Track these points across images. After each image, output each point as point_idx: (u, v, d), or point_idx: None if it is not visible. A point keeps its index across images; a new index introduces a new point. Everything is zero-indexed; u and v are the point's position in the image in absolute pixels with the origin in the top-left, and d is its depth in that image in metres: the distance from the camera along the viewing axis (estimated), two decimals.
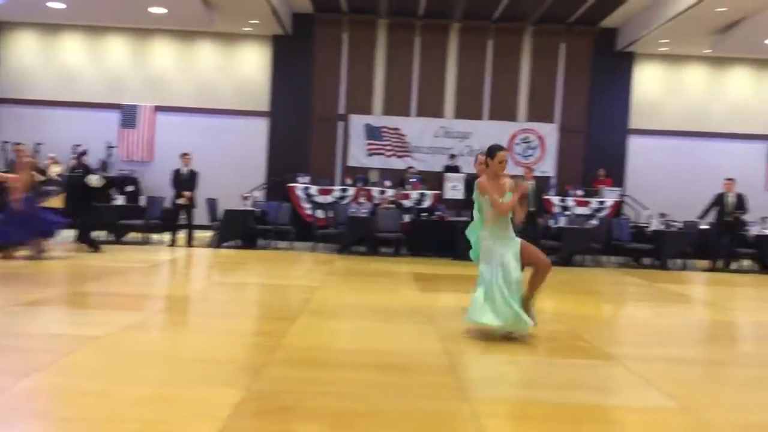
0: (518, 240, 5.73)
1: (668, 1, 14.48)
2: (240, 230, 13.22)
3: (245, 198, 13.90)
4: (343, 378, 4.28)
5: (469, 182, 7.83)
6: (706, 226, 13.64)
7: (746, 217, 13.32)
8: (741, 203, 12.97)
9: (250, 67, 17.73)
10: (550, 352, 5.63)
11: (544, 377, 4.54)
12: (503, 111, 17.73)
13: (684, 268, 13.11)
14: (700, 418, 3.72)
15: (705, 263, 13.16)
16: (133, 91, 17.49)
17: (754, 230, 13.46)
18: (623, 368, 4.79)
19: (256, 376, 4.14)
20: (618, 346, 5.70)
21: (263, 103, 17.62)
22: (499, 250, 5.63)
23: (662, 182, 17.53)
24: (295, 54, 17.45)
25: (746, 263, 13.62)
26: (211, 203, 13.81)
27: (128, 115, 17.33)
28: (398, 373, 4.42)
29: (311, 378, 4.24)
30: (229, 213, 13.24)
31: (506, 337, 5.59)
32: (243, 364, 4.58)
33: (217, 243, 13.05)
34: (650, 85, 18.05)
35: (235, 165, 17.10)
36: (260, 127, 17.60)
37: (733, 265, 13.23)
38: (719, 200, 13.07)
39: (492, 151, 5.66)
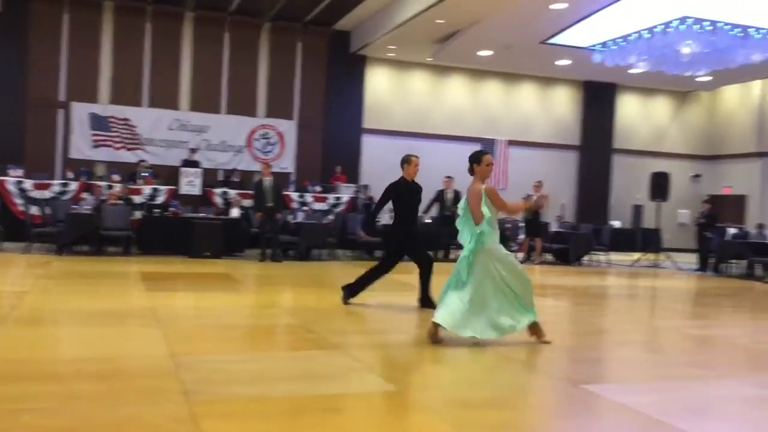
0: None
1: (395, 9, 15.45)
2: None
3: None
4: (49, 391, 3.83)
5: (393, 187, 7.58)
6: (429, 220, 14.83)
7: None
8: (457, 199, 14.28)
9: None
10: (281, 345, 5.65)
11: (271, 372, 4.51)
12: (242, 106, 17.53)
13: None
14: (413, 398, 3.96)
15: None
16: None
17: None
18: (348, 357, 4.95)
19: None
20: (344, 335, 5.90)
21: None
22: (502, 250, 5.54)
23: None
24: (5, 32, 15.48)
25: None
26: None
27: None
28: (116, 381, 4.09)
29: (6, 394, 3.72)
30: None
31: (241, 337, 5.47)
32: None
33: None
34: (381, 87, 19.14)
35: None
36: None
37: (452, 255, 14.55)
38: (440, 196, 14.27)
39: (478, 156, 5.72)
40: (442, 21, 14.96)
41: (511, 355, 5.32)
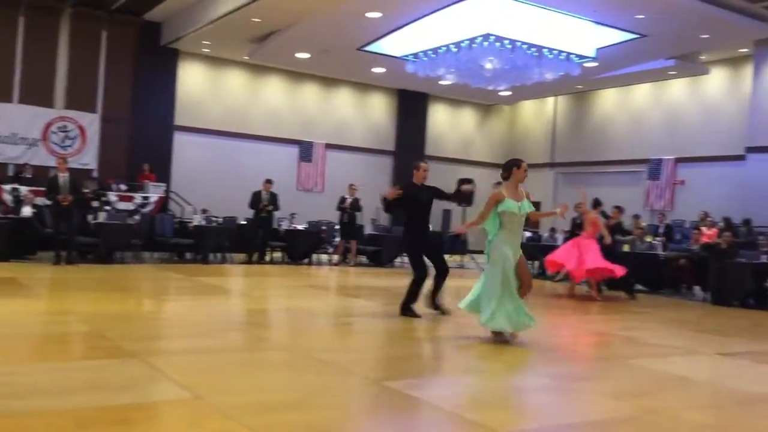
0: (520, 252, 6.15)
1: (209, 4, 14.97)
2: None
3: None
4: None
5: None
6: (244, 222, 14.52)
7: (278, 214, 14.57)
8: (274, 201, 14.08)
9: None
10: (72, 355, 5.19)
11: (59, 383, 4.10)
12: (37, 96, 16.06)
13: (224, 261, 13.73)
14: (208, 404, 3.79)
15: (242, 256, 13.99)
16: None
17: (284, 225, 14.84)
18: (144, 364, 4.65)
19: None
20: (142, 342, 5.54)
21: None
22: (510, 255, 5.99)
23: (205, 179, 18.09)
24: None
25: (277, 255, 14.92)
26: None
27: None
28: None
29: None
30: None
31: (26, 347, 4.93)
32: None
33: None
34: (195, 83, 18.47)
35: None
36: None
37: (267, 257, 14.36)
38: (256, 198, 13.99)
39: (518, 162, 6.17)
40: (259, 20, 14.74)
41: (318, 356, 5.31)
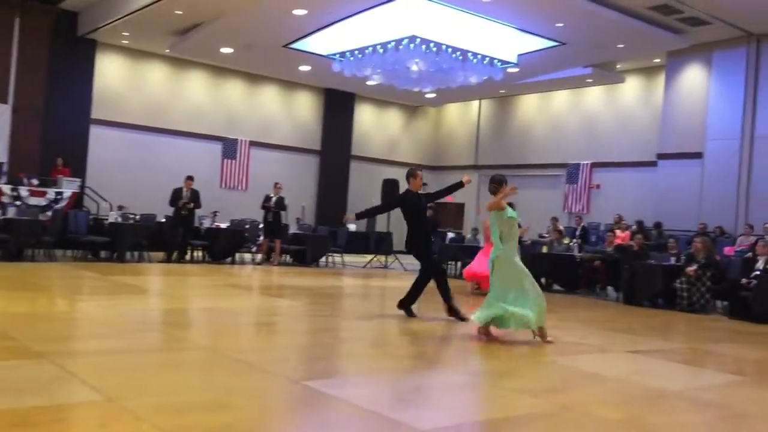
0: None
1: None
2: None
3: None
4: None
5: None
6: (163, 220, 14.13)
7: (200, 212, 14.25)
8: (195, 198, 13.74)
9: None
10: None
11: None
12: None
13: (141, 260, 13.32)
14: (119, 406, 3.66)
15: (161, 255, 13.61)
16: None
17: (206, 223, 14.53)
18: (53, 365, 4.45)
19: None
20: (52, 343, 5.30)
21: None
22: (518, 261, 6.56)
23: (123, 175, 17.51)
24: None
25: (198, 254, 14.58)
26: None
27: None
28: None
29: None
30: None
31: None
32: None
33: None
34: (113, 76, 17.87)
35: None
36: None
37: (187, 256, 14.02)
38: (177, 195, 13.63)
39: (505, 179, 6.65)
40: (181, 12, 14.38)
41: (238, 356, 5.21)
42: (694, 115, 16.28)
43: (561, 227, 14.86)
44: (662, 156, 16.88)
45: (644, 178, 17.71)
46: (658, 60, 17.51)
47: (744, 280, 10.08)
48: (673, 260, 11.46)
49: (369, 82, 17.51)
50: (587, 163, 19.40)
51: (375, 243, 18.69)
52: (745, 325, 9.33)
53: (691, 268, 10.50)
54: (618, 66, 18.36)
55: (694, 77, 16.44)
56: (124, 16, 14.79)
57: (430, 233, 8.13)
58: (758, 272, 10.07)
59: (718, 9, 13.51)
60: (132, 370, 4.59)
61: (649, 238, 14.21)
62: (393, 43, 13.90)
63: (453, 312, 7.63)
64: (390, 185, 17.21)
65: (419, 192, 7.87)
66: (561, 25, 14.05)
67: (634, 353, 6.54)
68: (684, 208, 15.97)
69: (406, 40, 13.70)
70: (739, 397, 5.01)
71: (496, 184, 6.64)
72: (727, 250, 13.17)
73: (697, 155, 16.11)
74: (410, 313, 7.74)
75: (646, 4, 13.28)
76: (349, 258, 16.49)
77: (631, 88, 18.92)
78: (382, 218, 19.14)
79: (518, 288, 6.44)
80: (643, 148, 17.99)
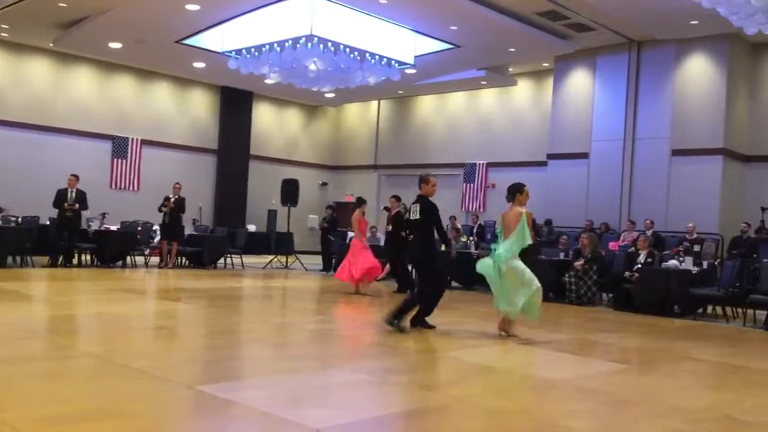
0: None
1: None
2: None
3: None
4: None
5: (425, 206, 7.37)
6: (47, 222, 13.39)
7: (87, 213, 13.55)
8: (81, 198, 13.06)
9: None
10: None
11: None
12: None
13: (23, 265, 12.56)
14: None
15: (46, 259, 12.89)
16: None
17: (94, 225, 13.86)
18: None
19: None
20: None
21: None
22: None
23: (3, 175, 16.45)
24: None
25: (86, 258, 13.89)
26: None
27: None
28: None
29: None
30: None
31: None
32: None
33: None
34: None
35: None
36: None
37: (74, 260, 13.33)
38: (62, 196, 12.93)
39: (522, 187, 7.07)
40: (65, 5, 13.66)
41: (129, 363, 5.01)
42: (581, 117, 17.07)
43: (459, 225, 15.22)
44: (552, 156, 17.60)
45: (536, 177, 18.32)
46: (546, 64, 18.24)
47: (627, 274, 10.70)
48: (562, 255, 11.99)
49: (267, 81, 17.27)
50: (483, 163, 19.97)
51: (275, 243, 18.48)
52: (628, 316, 9.91)
53: (579, 263, 11.04)
54: (510, 69, 19.00)
55: (580, 81, 17.25)
56: (3, 7, 13.88)
57: (434, 244, 7.62)
58: (640, 265, 10.72)
59: (602, 16, 14.23)
60: (13, 381, 4.32)
61: (540, 235, 14.79)
62: (290, 42, 13.78)
63: (420, 321, 7.28)
64: (290, 184, 17.12)
65: (429, 198, 7.44)
66: (455, 28, 14.38)
67: (526, 345, 6.79)
68: (572, 205, 16.71)
69: (303, 39, 13.62)
70: (622, 385, 5.30)
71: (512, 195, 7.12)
72: (612, 245, 13.92)
73: (584, 155, 16.91)
74: (427, 325, 7.27)
75: (534, 9, 13.81)
76: (248, 259, 16.22)
77: (523, 90, 19.62)
78: (282, 217, 18.98)
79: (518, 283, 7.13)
80: (534, 148, 18.70)
